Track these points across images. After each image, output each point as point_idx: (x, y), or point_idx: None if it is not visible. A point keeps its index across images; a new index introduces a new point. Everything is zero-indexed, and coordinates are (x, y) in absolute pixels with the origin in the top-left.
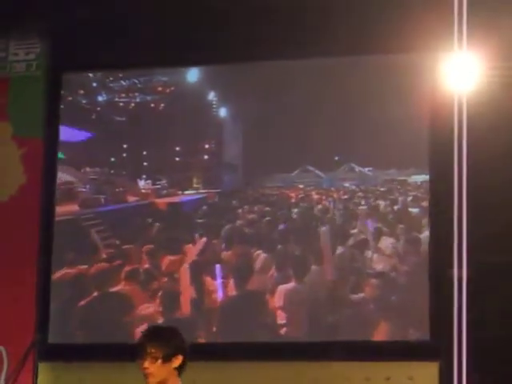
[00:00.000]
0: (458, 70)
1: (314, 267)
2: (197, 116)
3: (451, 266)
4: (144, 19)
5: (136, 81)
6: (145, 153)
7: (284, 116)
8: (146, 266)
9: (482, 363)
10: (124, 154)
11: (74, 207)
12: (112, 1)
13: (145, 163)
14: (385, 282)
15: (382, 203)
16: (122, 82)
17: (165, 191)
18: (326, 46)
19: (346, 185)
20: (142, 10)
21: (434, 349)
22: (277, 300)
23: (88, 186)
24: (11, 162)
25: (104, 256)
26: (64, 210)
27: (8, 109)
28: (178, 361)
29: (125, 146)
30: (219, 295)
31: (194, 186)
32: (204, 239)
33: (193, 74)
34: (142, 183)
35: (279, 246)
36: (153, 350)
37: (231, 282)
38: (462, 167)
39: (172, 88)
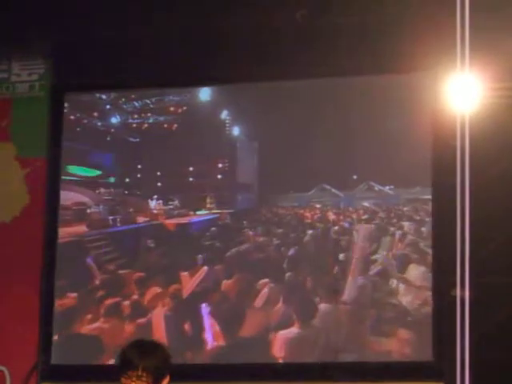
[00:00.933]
0: (461, 89)
1: (323, 306)
2: (210, 135)
3: (454, 287)
4: (148, 38)
5: (148, 101)
6: (159, 173)
7: (299, 134)
8: (135, 297)
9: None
10: (138, 175)
11: (82, 228)
12: (116, 20)
13: (158, 184)
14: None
15: (406, 224)
16: (135, 103)
17: (176, 212)
18: (339, 66)
19: (366, 204)
20: (147, 29)
21: (438, 369)
22: (277, 349)
23: (101, 207)
24: (15, 182)
25: (97, 282)
26: (72, 231)
27: (11, 129)
28: (166, 381)
29: (139, 166)
30: (209, 339)
31: (208, 206)
32: (204, 268)
33: (205, 93)
34: (153, 204)
35: (288, 274)
36: (144, 374)
37: (225, 322)
38: (464, 187)
39: (184, 108)
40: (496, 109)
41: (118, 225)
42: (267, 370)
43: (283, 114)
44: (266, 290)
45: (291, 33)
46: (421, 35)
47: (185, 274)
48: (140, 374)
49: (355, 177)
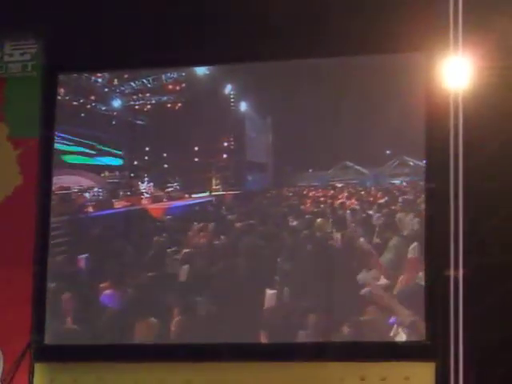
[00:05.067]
0: (454, 69)
1: None
2: (212, 112)
3: (447, 266)
4: (143, 18)
5: (145, 81)
6: (165, 155)
7: (313, 109)
8: None
9: (478, 364)
10: (146, 157)
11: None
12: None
13: (165, 165)
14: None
15: None
16: (132, 84)
17: (166, 196)
18: (334, 46)
19: (396, 182)
20: (142, 9)
21: (431, 349)
22: None
23: (96, 191)
24: (7, 162)
25: None
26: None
27: (3, 109)
28: None
29: (147, 148)
30: None
31: (213, 187)
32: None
33: (203, 68)
34: (144, 187)
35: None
36: None
37: None
38: (458, 167)
39: (183, 85)
40: (489, 88)
41: (90, 210)
42: (262, 350)
43: (294, 89)
44: None
45: (288, 14)
46: (414, 15)
47: None
48: None
49: (388, 152)
